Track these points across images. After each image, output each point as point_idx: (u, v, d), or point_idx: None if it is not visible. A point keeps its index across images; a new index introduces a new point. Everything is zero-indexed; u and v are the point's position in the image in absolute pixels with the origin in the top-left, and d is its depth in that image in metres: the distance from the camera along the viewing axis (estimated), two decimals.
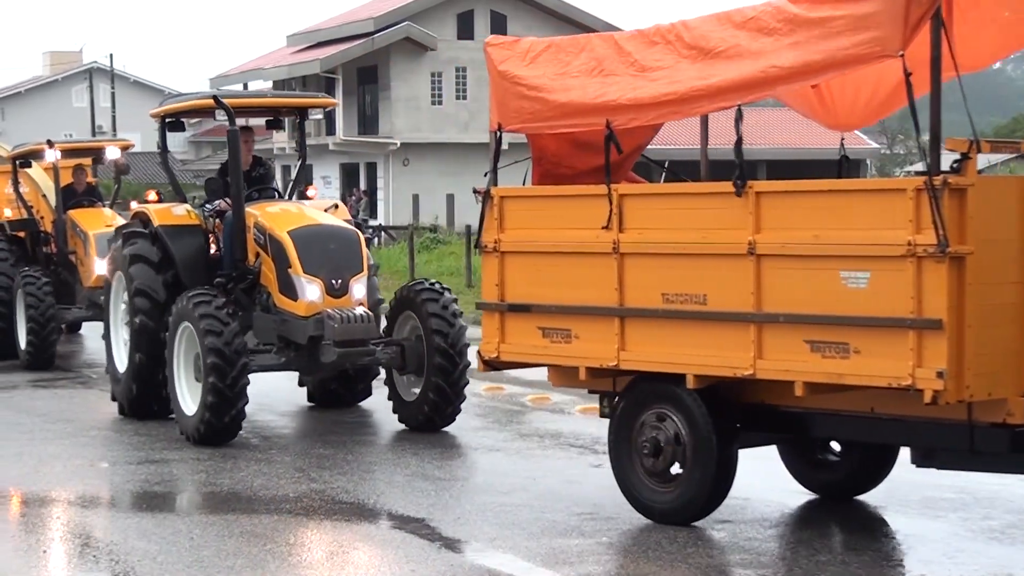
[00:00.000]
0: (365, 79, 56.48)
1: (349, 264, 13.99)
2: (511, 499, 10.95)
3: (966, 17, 9.41)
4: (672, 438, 9.74)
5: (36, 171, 21.96)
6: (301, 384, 16.14)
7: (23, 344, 20.03)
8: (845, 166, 11.11)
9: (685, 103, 9.66)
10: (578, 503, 10.70)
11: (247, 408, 13.49)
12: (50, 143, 20.45)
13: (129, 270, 14.92)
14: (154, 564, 9.19)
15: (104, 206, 21.34)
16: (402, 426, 14.33)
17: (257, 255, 14.38)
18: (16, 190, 21.32)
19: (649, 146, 11.37)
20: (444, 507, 10.72)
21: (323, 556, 9.56)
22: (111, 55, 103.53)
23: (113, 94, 71.64)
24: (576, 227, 10.19)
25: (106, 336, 15.89)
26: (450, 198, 52.74)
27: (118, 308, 15.68)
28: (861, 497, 10.71)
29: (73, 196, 21.07)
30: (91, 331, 22.64)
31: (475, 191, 10.95)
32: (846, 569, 8.86)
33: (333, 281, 13.81)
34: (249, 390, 13.43)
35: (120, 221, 18.58)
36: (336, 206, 15.62)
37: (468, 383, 14.27)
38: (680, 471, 9.78)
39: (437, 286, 14.45)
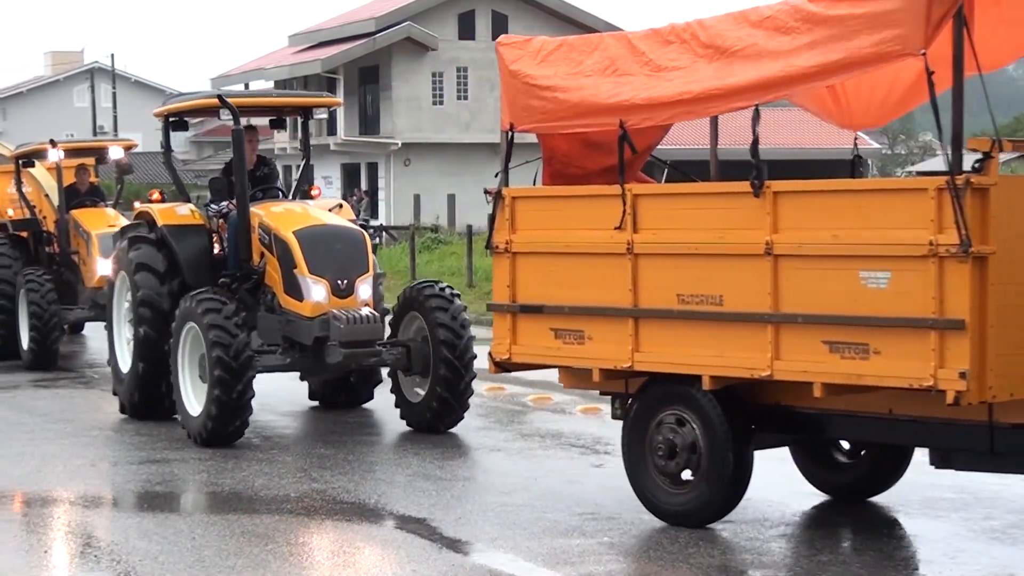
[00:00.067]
0: (366, 79, 56.44)
1: (355, 264, 13.87)
2: (512, 499, 10.90)
3: (987, 16, 9.30)
4: (687, 441, 9.64)
5: (39, 171, 21.89)
6: (303, 379, 16.00)
7: (25, 344, 19.97)
8: (858, 166, 11.03)
9: (701, 103, 9.58)
10: (579, 503, 10.66)
11: None
12: (53, 143, 20.40)
13: (134, 278, 14.81)
14: (155, 564, 9.14)
15: (107, 206, 21.28)
16: (404, 426, 14.24)
17: (261, 255, 14.27)
18: (19, 190, 21.27)
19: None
20: (445, 507, 10.67)
21: (325, 556, 9.52)
22: (112, 55, 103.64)
23: (114, 94, 71.56)
24: (589, 227, 10.09)
25: (109, 327, 15.76)
26: (451, 198, 52.70)
27: (121, 307, 15.58)
28: None
29: (76, 196, 21.02)
30: (93, 331, 22.57)
31: (486, 192, 10.83)
32: (847, 569, 8.83)
33: (339, 281, 13.68)
34: None
35: (123, 221, 18.51)
36: (340, 206, 15.51)
37: (473, 393, 14.15)
38: (695, 474, 9.69)
39: (447, 291, 14.21)
